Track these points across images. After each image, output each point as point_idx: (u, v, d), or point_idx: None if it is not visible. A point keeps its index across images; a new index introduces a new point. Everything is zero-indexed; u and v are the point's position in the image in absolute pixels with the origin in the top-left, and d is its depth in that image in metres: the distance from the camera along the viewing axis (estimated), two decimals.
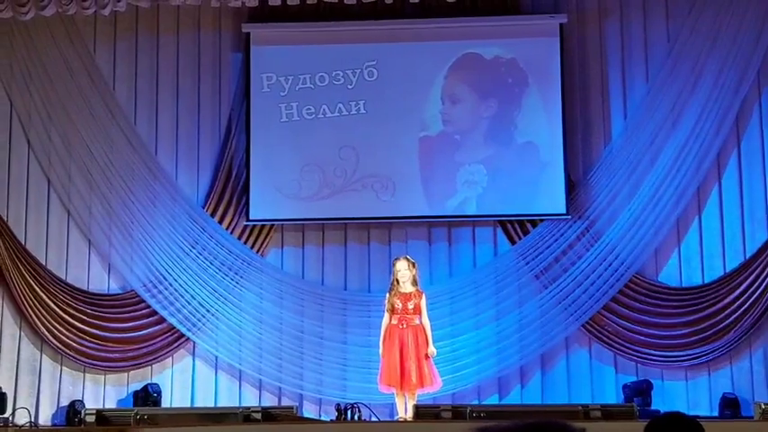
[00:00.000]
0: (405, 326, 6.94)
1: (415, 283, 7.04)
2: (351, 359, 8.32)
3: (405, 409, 6.99)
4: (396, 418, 7.10)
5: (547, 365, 8.43)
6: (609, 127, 8.55)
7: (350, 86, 8.56)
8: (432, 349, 6.97)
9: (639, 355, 8.28)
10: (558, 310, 8.30)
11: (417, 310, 7.00)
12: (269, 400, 8.39)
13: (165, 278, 8.44)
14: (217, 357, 8.51)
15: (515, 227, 8.54)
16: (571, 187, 8.47)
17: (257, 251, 8.61)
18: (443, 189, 8.49)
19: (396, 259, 7.20)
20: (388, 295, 7.05)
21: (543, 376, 8.41)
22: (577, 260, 8.36)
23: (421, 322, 7.00)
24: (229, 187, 8.64)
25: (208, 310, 8.43)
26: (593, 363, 8.40)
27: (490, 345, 8.33)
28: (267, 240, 8.65)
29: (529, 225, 8.52)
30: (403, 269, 7.03)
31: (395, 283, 7.05)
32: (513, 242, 8.52)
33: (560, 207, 8.41)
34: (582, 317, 8.30)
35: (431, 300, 8.08)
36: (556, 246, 8.40)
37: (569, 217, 8.42)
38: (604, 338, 8.35)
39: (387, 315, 7.03)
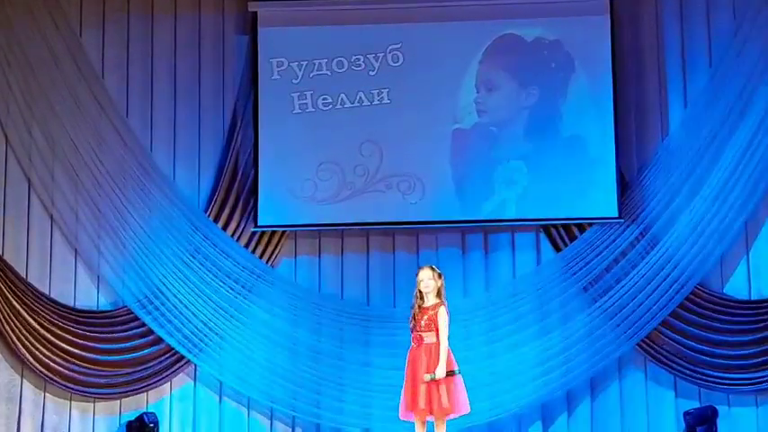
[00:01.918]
0: (415, 344, 7.14)
1: (439, 295, 7.19)
2: (375, 383, 8.49)
3: None
4: None
5: (597, 390, 8.64)
6: (666, 118, 8.70)
7: (372, 73, 8.79)
8: (440, 372, 6.98)
9: (703, 377, 8.48)
10: (610, 327, 8.48)
11: (434, 326, 7.12)
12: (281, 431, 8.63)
13: (162, 293, 8.60)
14: (221, 382, 8.70)
15: (560, 232, 8.73)
16: (624, 187, 8.64)
17: (267, 261, 8.78)
18: (479, 189, 8.68)
19: (419, 268, 7.36)
20: (412, 311, 7.28)
21: (593, 402, 8.63)
22: (631, 270, 8.54)
23: (437, 339, 7.12)
24: (235, 189, 8.81)
25: (211, 329, 8.61)
26: (650, 387, 8.61)
27: (532, 366, 8.51)
28: (278, 249, 8.83)
29: (576, 230, 8.72)
30: (426, 278, 7.18)
31: (417, 296, 7.25)
32: (557, 249, 8.72)
33: (611, 209, 8.60)
34: (636, 335, 8.49)
35: (465, 315, 8.48)
36: (607, 253, 8.60)
37: (622, 221, 8.60)
38: (662, 359, 8.55)
39: None
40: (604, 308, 8.53)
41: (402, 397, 7.19)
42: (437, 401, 7.04)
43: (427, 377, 7.01)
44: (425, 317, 7.14)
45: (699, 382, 8.52)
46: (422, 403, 7.03)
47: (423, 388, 7.03)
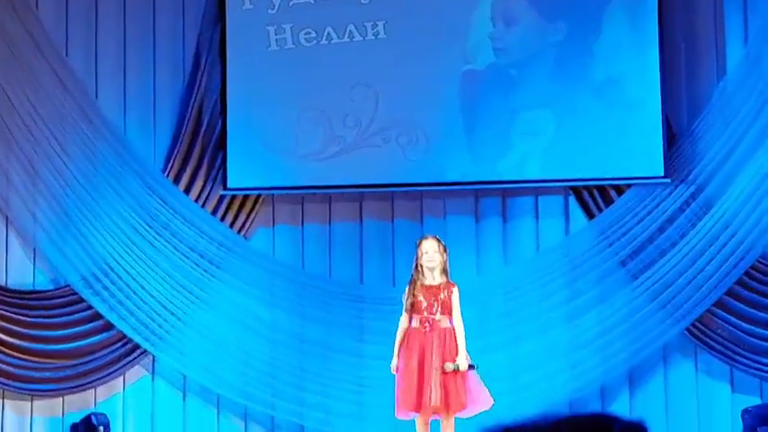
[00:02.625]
0: (428, 328, 7.01)
1: (445, 272, 7.12)
2: (369, 377, 8.34)
3: None
4: None
5: (637, 383, 8.55)
6: (723, 55, 8.63)
7: (364, 0, 8.70)
8: (463, 362, 7.01)
9: (765, 368, 8.42)
10: (654, 308, 8.40)
11: (447, 309, 7.09)
12: None
13: (111, 269, 8.53)
14: (185, 377, 8.61)
15: (594, 195, 8.62)
16: (671, 139, 8.53)
17: (239, 231, 8.72)
18: (495, 144, 8.59)
19: (422, 239, 7.19)
20: (408, 288, 7.13)
21: (632, 398, 8.52)
22: (679, 240, 8.43)
23: (451, 324, 7.09)
24: (198, 143, 8.71)
25: (172, 313, 8.53)
26: (701, 379, 8.53)
27: (560, 356, 8.43)
28: (253, 216, 8.76)
29: (612, 192, 8.62)
30: (431, 251, 7.05)
31: (418, 270, 7.11)
32: (590, 216, 8.62)
33: (656, 167, 8.48)
34: (685, 317, 8.40)
35: (479, 296, 8.31)
36: (650, 220, 8.47)
37: (668, 180, 8.50)
38: (716, 346, 8.46)
39: (405, 315, 7.14)
40: (647, 286, 8.43)
41: (401, 392, 7.01)
42: (455, 396, 6.95)
43: (450, 366, 6.92)
44: (439, 298, 7.03)
45: (760, 373, 8.41)
46: (437, 398, 6.89)
47: (438, 381, 6.92)
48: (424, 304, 7.02)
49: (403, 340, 7.07)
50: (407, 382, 6.96)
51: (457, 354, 6.96)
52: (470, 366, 7.07)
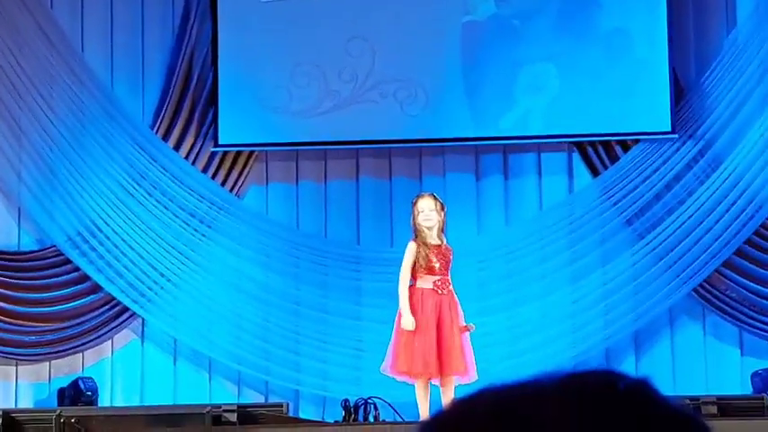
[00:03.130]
0: (445, 291, 6.91)
1: (442, 232, 7.03)
2: (367, 341, 8.31)
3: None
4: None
5: (643, 347, 8.51)
6: (733, 6, 8.58)
7: None
8: (464, 322, 7.01)
9: None
10: (660, 269, 8.37)
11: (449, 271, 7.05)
12: (252, 400, 8.47)
13: (99, 229, 8.49)
14: (176, 340, 8.60)
15: (599, 151, 8.58)
16: (678, 94, 8.47)
17: (231, 189, 8.70)
18: (496, 99, 8.53)
19: (418, 196, 7.06)
20: (412, 245, 6.94)
21: (638, 361, 8.48)
22: (687, 198, 8.42)
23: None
24: (189, 98, 8.67)
25: (162, 274, 8.52)
26: (709, 342, 8.48)
27: (563, 318, 8.42)
28: (245, 174, 8.74)
29: (618, 148, 8.58)
30: (427, 209, 6.91)
31: (420, 228, 6.96)
32: (595, 173, 8.59)
33: (663, 122, 8.42)
34: (693, 278, 8.37)
35: (480, 256, 8.40)
36: (656, 177, 8.44)
37: (676, 136, 8.44)
38: (725, 308, 8.41)
39: (406, 273, 6.95)
40: (653, 245, 8.43)
41: (417, 355, 6.83)
42: (471, 358, 6.94)
43: (473, 326, 7.00)
44: (444, 258, 6.93)
45: None
46: (462, 361, 6.82)
47: (460, 344, 6.85)
48: (438, 265, 6.93)
49: (414, 301, 6.92)
50: (425, 345, 6.85)
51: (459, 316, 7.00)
52: None
